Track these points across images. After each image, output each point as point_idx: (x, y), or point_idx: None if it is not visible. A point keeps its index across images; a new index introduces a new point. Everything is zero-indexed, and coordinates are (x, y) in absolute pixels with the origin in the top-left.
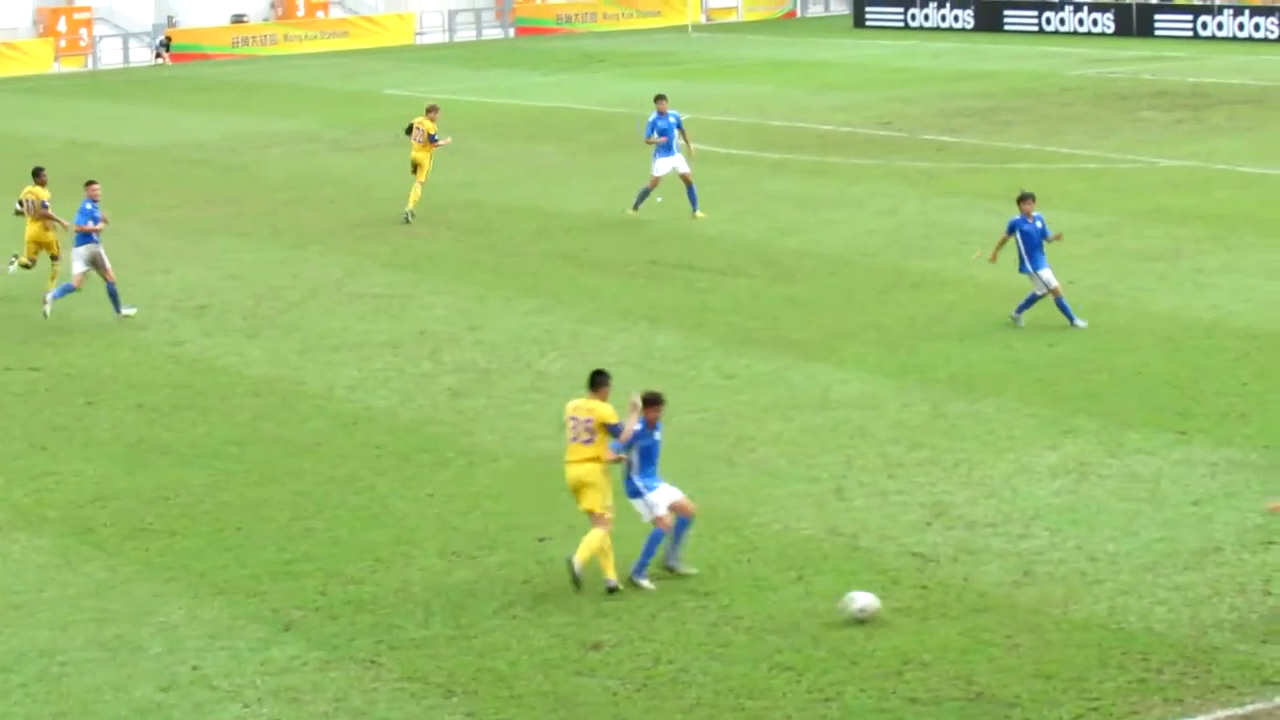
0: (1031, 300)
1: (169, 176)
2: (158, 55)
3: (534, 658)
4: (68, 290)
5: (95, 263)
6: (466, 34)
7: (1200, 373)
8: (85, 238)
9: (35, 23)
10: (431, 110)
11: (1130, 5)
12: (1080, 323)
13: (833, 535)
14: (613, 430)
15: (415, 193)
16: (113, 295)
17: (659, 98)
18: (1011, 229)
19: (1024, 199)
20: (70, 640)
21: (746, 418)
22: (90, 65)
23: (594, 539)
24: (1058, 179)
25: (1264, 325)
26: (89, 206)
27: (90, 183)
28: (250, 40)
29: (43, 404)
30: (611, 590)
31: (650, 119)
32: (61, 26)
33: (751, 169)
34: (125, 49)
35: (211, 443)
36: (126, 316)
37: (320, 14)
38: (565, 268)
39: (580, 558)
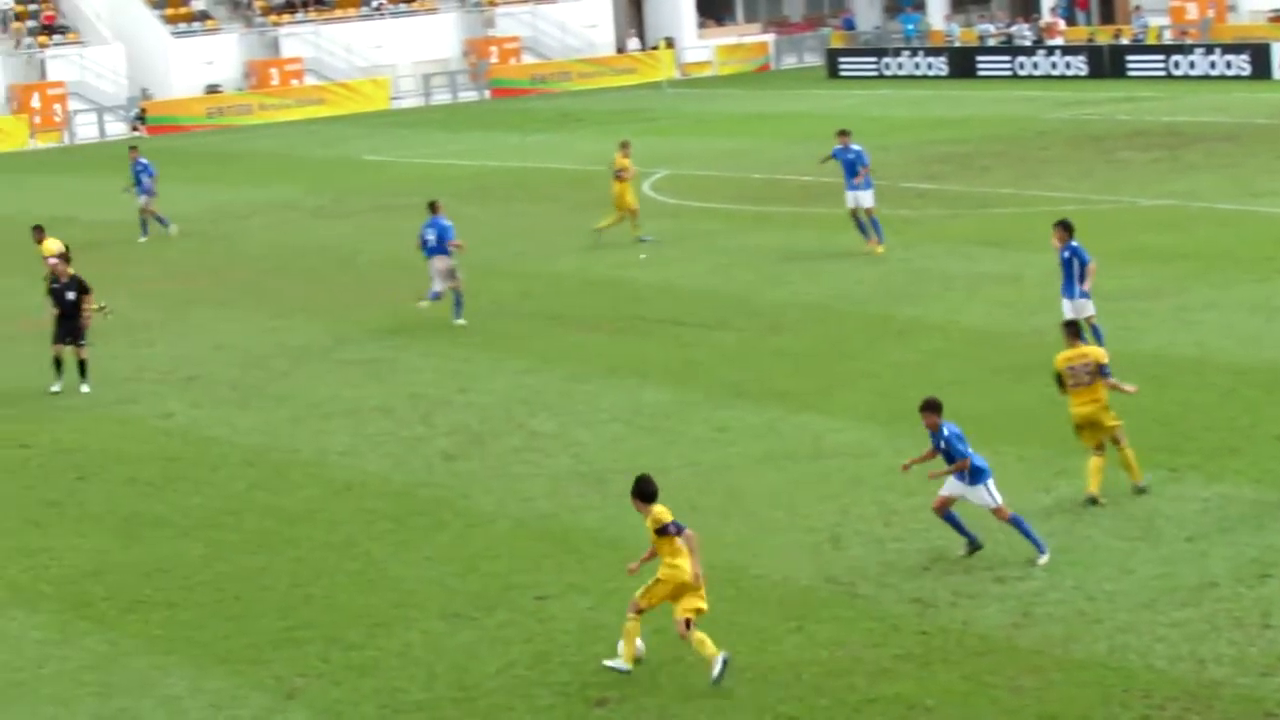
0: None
1: (150, 249)
2: (134, 128)
3: (539, 717)
4: None
5: None
6: (442, 97)
7: (1189, 409)
8: None
9: (8, 99)
10: (624, 145)
11: (1102, 48)
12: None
13: (831, 584)
14: (1102, 370)
15: (615, 219)
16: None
17: (842, 132)
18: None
19: (1058, 225)
20: (74, 715)
21: (740, 470)
22: (66, 140)
23: (1101, 462)
24: (1038, 221)
25: (1249, 360)
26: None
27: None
28: (225, 110)
29: (34, 480)
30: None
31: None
32: (35, 103)
33: (733, 222)
34: (100, 123)
35: (206, 513)
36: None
37: (295, 82)
38: (551, 327)
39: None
